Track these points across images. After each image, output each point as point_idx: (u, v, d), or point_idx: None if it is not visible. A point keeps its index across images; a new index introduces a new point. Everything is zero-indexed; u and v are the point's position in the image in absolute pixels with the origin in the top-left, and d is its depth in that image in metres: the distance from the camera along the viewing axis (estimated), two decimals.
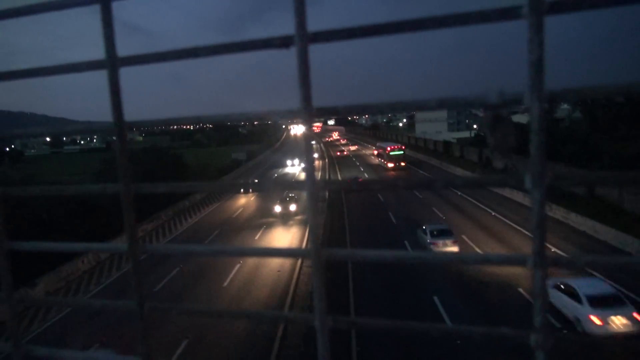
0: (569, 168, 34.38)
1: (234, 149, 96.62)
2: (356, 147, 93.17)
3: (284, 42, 0.73)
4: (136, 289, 0.84)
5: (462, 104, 0.65)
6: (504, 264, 0.68)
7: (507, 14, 0.60)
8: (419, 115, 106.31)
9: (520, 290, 18.01)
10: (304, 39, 0.71)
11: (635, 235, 21.95)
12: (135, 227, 0.87)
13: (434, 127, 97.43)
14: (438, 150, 65.56)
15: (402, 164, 55.43)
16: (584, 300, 15.07)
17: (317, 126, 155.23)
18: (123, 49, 0.85)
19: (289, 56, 0.75)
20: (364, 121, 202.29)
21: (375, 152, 67.20)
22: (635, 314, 14.38)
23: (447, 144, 64.23)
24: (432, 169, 54.26)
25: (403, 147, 58.68)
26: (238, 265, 23.80)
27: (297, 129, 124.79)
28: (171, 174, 44.31)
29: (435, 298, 18.27)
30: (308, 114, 0.72)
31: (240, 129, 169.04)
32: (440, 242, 22.69)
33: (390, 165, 55.70)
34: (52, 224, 27.02)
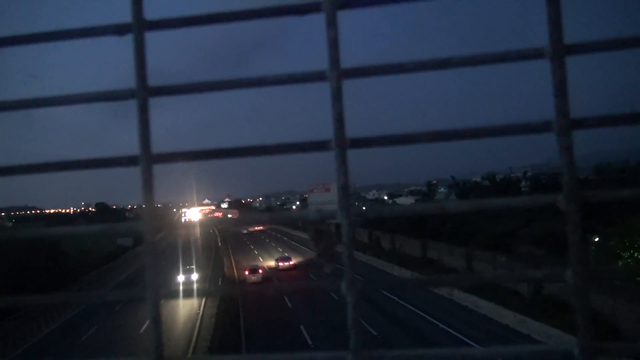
0: (449, 246, 37.09)
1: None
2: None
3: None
4: None
5: (289, 220, 0.74)
6: None
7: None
8: (311, 198, 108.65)
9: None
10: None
11: (510, 308, 23.84)
12: None
13: (326, 208, 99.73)
14: (331, 231, 67.53)
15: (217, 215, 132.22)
16: None
17: (208, 209, 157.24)
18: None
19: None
20: (257, 204, 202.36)
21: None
22: None
23: (338, 225, 66.27)
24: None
25: (220, 213, 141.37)
26: None
27: (190, 214, 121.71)
28: (47, 264, 39.84)
29: (302, 327, 24.11)
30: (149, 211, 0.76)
31: (126, 213, 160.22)
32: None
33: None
34: None
